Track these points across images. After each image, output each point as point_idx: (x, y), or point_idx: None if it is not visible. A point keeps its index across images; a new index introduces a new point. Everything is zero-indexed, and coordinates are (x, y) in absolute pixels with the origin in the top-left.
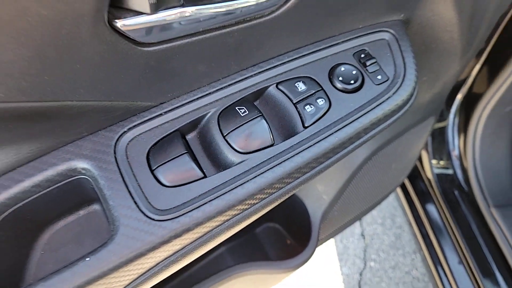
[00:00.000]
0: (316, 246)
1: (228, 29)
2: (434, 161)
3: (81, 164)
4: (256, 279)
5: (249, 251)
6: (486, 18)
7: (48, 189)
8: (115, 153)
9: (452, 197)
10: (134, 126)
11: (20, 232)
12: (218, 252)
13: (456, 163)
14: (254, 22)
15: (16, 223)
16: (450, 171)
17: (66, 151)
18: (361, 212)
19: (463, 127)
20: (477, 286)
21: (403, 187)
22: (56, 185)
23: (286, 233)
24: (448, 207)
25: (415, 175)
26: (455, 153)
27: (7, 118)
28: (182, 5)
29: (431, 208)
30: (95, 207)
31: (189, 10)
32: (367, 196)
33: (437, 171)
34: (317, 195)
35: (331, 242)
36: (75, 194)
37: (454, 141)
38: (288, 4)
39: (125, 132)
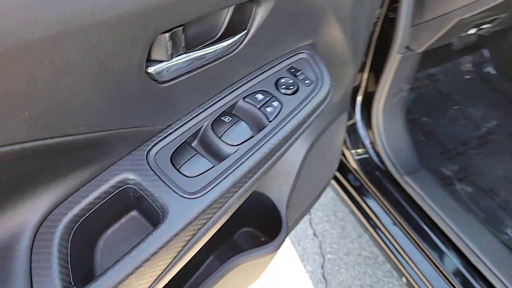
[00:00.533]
0: (288, 230)
1: (209, 65)
2: (353, 151)
3: (126, 175)
4: (248, 267)
5: (231, 255)
6: (362, 35)
7: (105, 200)
8: (148, 163)
9: (374, 176)
10: (155, 144)
11: (87, 238)
12: (207, 263)
13: (370, 149)
14: (224, 58)
15: (85, 231)
16: (367, 156)
17: (114, 169)
18: (314, 198)
19: (368, 121)
20: (410, 237)
21: (338, 181)
22: (110, 196)
23: (260, 232)
24: (373, 185)
25: (343, 168)
26: (367, 142)
27: (77, 147)
28: (185, 52)
29: (362, 190)
30: (133, 213)
31: (190, 55)
32: (315, 183)
33: (357, 158)
34: (278, 187)
35: (290, 248)
36: (121, 203)
37: (364, 133)
38: (242, 45)
39: (150, 149)
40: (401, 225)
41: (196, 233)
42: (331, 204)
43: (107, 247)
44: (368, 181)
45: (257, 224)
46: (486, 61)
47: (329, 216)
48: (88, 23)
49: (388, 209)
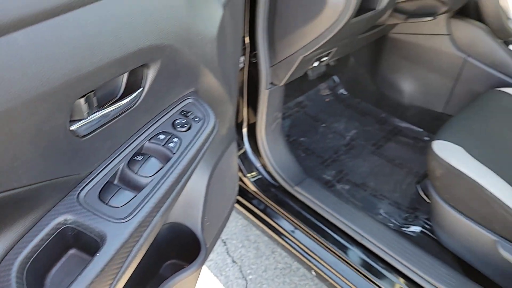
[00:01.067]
0: (207, 249)
1: (117, 118)
2: (249, 175)
3: (64, 217)
4: None
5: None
6: (232, 79)
7: (48, 241)
8: (80, 204)
9: (271, 193)
10: (83, 188)
11: (37, 277)
12: None
13: (262, 171)
14: (128, 111)
15: (34, 270)
16: (261, 177)
17: (52, 214)
18: (224, 218)
19: (255, 147)
20: (310, 235)
21: (245, 207)
22: (52, 237)
23: (183, 262)
24: (272, 200)
25: (245, 193)
26: (258, 165)
27: (20, 199)
28: (98, 110)
29: (265, 208)
30: (74, 251)
31: (102, 112)
32: (222, 205)
33: (253, 180)
34: (191, 215)
35: (214, 279)
36: (63, 241)
37: (254, 158)
38: (140, 100)
39: (79, 192)
40: (301, 228)
41: (132, 249)
42: (242, 231)
43: (54, 283)
44: (267, 198)
45: (180, 254)
46: (338, 85)
47: (243, 242)
48: (28, 99)
49: (288, 217)
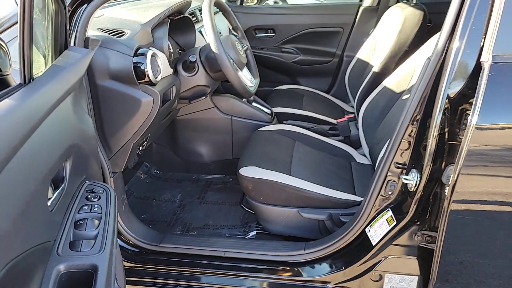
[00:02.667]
0: None
1: (60, 197)
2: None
3: (56, 269)
4: None
5: None
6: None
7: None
8: (61, 257)
9: (143, 259)
10: (57, 247)
11: None
12: None
13: (126, 245)
14: (64, 191)
15: None
16: (129, 250)
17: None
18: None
19: None
20: (198, 272)
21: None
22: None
23: None
24: (148, 263)
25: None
26: (121, 243)
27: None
28: (56, 189)
29: (146, 273)
30: None
31: (56, 192)
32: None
33: (124, 256)
34: None
35: None
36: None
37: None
38: (67, 184)
39: (56, 251)
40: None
41: (113, 266)
42: None
43: None
44: (143, 264)
45: None
46: (150, 168)
47: None
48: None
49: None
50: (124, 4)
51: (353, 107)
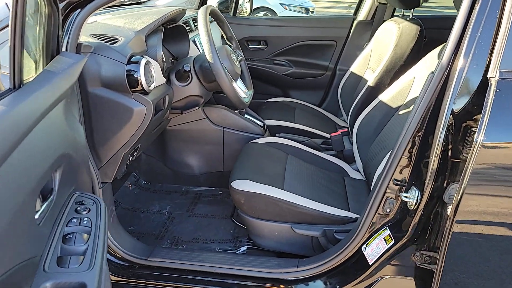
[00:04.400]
0: None
1: (48, 210)
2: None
3: (44, 285)
4: None
5: None
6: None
7: None
8: (49, 274)
9: (130, 273)
10: (44, 263)
11: None
12: None
13: (114, 259)
14: (52, 204)
15: None
16: (116, 263)
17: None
18: None
19: None
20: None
21: None
22: None
23: None
24: (135, 277)
25: None
26: (109, 256)
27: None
28: (44, 201)
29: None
30: None
31: (45, 203)
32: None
33: (111, 270)
34: None
35: None
36: None
37: None
38: (55, 195)
39: (43, 268)
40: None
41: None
42: None
43: None
44: (130, 278)
45: None
46: (139, 179)
47: None
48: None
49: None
50: (118, 11)
51: (345, 121)
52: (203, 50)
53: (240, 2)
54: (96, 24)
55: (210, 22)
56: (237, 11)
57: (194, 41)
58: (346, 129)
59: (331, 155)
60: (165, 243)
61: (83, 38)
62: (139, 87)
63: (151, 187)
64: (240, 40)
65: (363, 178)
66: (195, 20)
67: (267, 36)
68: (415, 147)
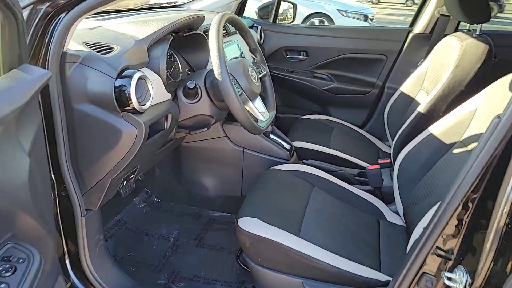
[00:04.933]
0: None
1: None
2: None
3: None
4: None
5: None
6: (47, 216)
7: None
8: None
9: None
10: None
11: None
12: None
13: None
14: None
15: None
16: None
17: None
18: None
19: (83, 276)
20: None
21: None
22: None
23: None
24: None
25: None
26: None
27: None
28: None
29: None
30: None
31: None
32: None
33: None
34: None
35: None
36: None
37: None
38: None
39: None
40: None
41: None
42: None
43: None
44: None
45: None
46: (151, 195)
47: None
48: None
49: None
50: (129, 17)
51: (390, 146)
52: None
53: (284, 8)
54: (98, 30)
55: (234, 33)
56: (277, 18)
57: None
58: (388, 161)
59: (366, 190)
60: (162, 278)
61: (74, 46)
62: (131, 106)
63: (163, 205)
64: (278, 50)
65: (402, 224)
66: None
67: (308, 46)
68: (470, 208)
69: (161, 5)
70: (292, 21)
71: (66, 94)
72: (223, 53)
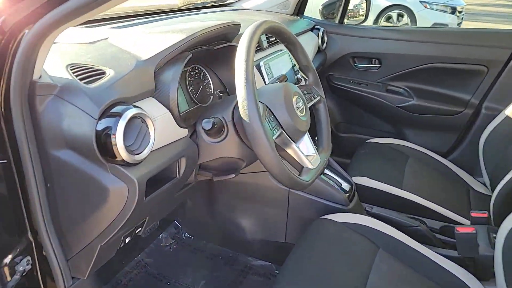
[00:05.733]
0: None
1: None
2: None
3: None
4: None
5: None
6: None
7: None
8: None
9: None
10: None
11: None
12: None
13: None
14: None
15: None
16: None
17: None
18: None
19: None
20: None
21: None
22: None
23: None
24: None
25: None
26: None
27: None
28: None
29: None
30: None
31: None
32: None
33: None
34: None
35: None
36: None
37: None
38: None
39: None
40: None
41: None
42: None
43: None
44: None
45: None
46: (180, 229)
47: None
48: None
49: None
50: (145, 25)
51: (484, 184)
52: (268, 81)
53: (356, 2)
54: (98, 45)
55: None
56: (345, 18)
57: (258, 66)
58: (485, 215)
59: (452, 257)
60: None
61: (54, 71)
62: (117, 157)
63: (193, 243)
64: (344, 56)
65: None
66: (268, 35)
67: (382, 53)
68: None
69: (208, 5)
70: (364, 21)
71: (39, 137)
72: (253, 77)
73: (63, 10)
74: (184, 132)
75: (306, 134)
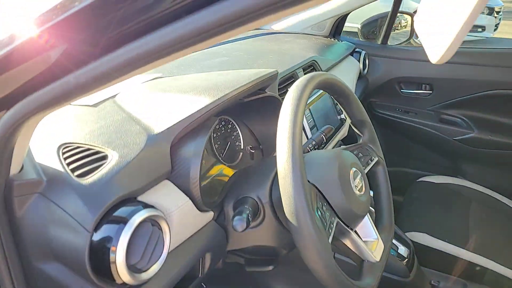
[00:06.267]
0: None
1: None
2: None
3: None
4: None
5: None
6: None
7: None
8: None
9: None
10: None
11: None
12: None
13: None
14: None
15: None
16: None
17: None
18: None
19: None
20: None
21: None
22: None
23: None
24: None
25: None
26: None
27: None
28: None
29: None
30: None
31: None
32: None
33: None
34: None
35: None
36: None
37: None
38: None
39: None
40: None
41: None
42: None
43: None
44: None
45: None
46: None
47: None
48: None
49: None
50: (163, 79)
51: None
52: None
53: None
54: (104, 108)
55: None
56: (388, 38)
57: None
58: None
59: None
60: None
61: (42, 157)
62: (117, 280)
63: None
64: (389, 81)
65: None
66: (307, 70)
67: (435, 78)
68: None
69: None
70: (409, 39)
71: (22, 247)
72: (300, 153)
73: (45, 94)
74: (209, 216)
75: (365, 217)
